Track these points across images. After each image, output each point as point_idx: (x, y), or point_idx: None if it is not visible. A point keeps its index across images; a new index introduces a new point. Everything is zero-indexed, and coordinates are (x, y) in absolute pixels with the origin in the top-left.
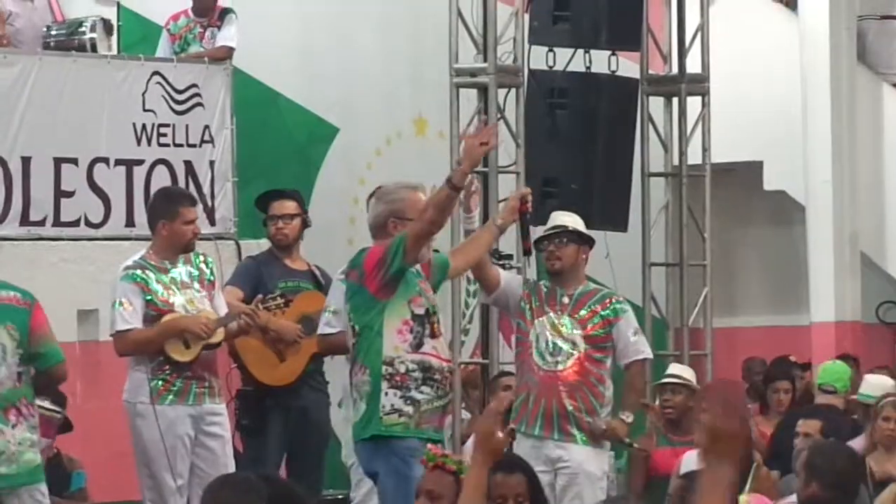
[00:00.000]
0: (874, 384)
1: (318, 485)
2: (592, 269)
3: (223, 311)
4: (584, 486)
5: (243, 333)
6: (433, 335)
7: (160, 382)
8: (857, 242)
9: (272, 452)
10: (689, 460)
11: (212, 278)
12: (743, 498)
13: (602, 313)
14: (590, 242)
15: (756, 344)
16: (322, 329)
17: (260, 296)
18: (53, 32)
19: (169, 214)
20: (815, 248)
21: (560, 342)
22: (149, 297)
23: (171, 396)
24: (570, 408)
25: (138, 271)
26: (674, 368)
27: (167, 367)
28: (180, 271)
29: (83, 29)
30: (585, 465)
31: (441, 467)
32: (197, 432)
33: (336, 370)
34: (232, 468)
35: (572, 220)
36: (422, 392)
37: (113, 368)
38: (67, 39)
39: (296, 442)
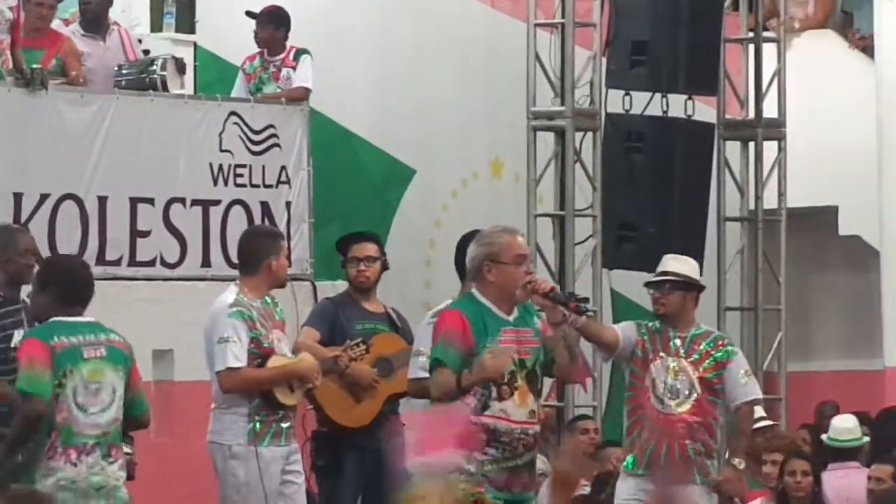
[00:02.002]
0: (839, 427)
1: None
2: None
3: (288, 352)
4: None
5: (325, 376)
6: (500, 398)
7: (259, 424)
8: None
9: (347, 494)
10: None
11: (282, 317)
12: None
13: (715, 355)
14: (698, 288)
15: (829, 388)
16: (415, 373)
17: (348, 342)
18: (125, 71)
19: (276, 249)
20: (889, 293)
21: (678, 384)
22: (253, 335)
23: (268, 438)
24: (690, 449)
25: (244, 309)
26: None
27: (265, 408)
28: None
29: (154, 67)
30: (697, 499)
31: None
32: (282, 472)
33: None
34: None
35: (679, 266)
36: (486, 453)
37: (188, 409)
38: (138, 78)
39: (371, 484)
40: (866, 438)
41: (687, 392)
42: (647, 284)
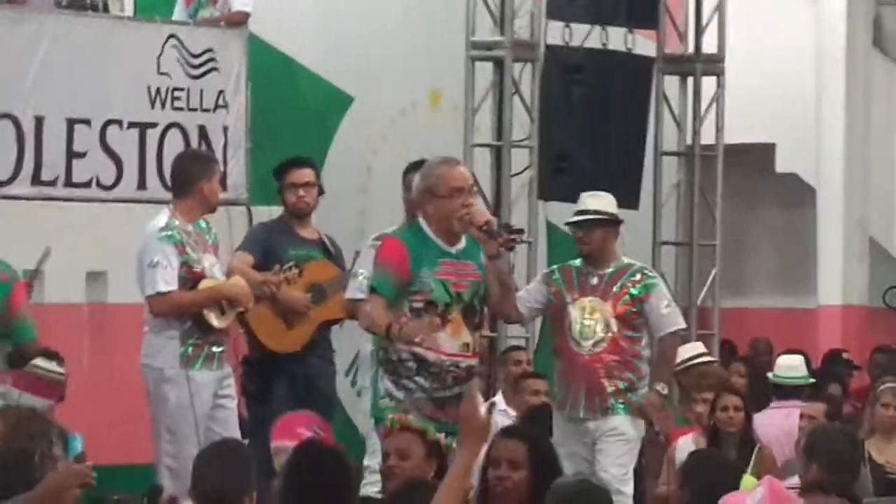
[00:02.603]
0: (784, 365)
1: None
2: None
3: (220, 276)
4: (619, 445)
5: (257, 301)
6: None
7: (190, 348)
8: (866, 227)
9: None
10: (685, 445)
11: (216, 242)
12: (748, 478)
13: (632, 291)
14: (617, 222)
15: (763, 325)
16: (353, 293)
17: (280, 265)
18: None
19: (208, 173)
20: (824, 232)
21: (593, 325)
22: (184, 260)
23: (200, 361)
24: (609, 389)
25: (175, 233)
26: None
27: (196, 332)
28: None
29: None
30: (621, 427)
31: (407, 429)
32: (214, 396)
33: (344, 339)
34: (237, 432)
35: (597, 203)
36: (415, 382)
37: (122, 331)
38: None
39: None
40: (812, 380)
41: (602, 331)
42: (569, 224)
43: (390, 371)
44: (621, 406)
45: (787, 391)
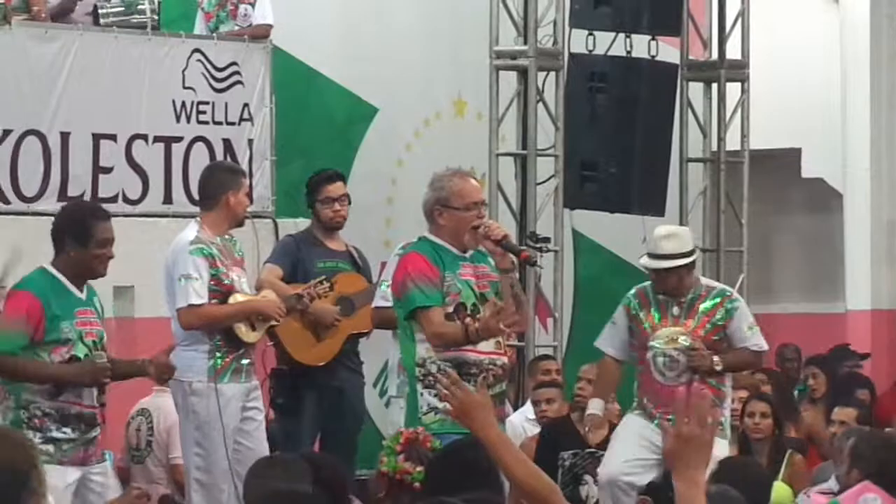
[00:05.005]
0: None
1: (352, 465)
2: (631, 252)
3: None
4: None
5: (287, 314)
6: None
7: (220, 361)
8: (893, 230)
9: (305, 432)
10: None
11: (241, 255)
12: (780, 485)
13: (714, 320)
14: (693, 260)
15: (791, 330)
16: (378, 302)
17: (314, 281)
18: (109, 10)
19: (235, 185)
20: (851, 236)
21: (676, 354)
22: (214, 272)
23: (228, 374)
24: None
25: (205, 246)
26: (662, 245)
27: (225, 345)
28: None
29: (142, 6)
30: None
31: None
32: (242, 409)
33: (372, 350)
34: (266, 445)
35: (671, 245)
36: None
37: (149, 345)
38: (125, 18)
39: (329, 422)
40: None
41: (686, 363)
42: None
43: (430, 385)
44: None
45: None
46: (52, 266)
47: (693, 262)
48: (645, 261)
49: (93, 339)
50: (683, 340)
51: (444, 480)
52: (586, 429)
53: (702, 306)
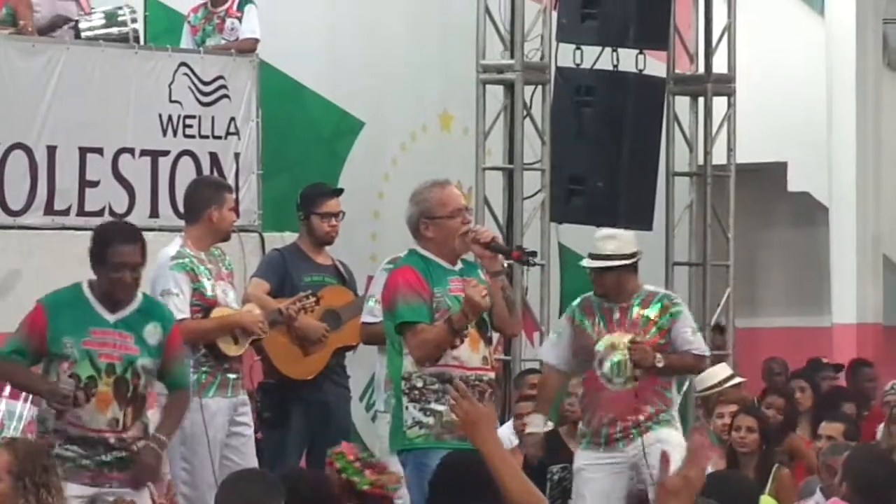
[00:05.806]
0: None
1: None
2: None
3: (235, 303)
4: (670, 444)
5: (272, 328)
6: (452, 346)
7: (203, 375)
8: (879, 245)
9: (292, 446)
10: None
11: (229, 269)
12: (766, 499)
13: (659, 323)
14: (634, 263)
15: (777, 344)
16: (365, 318)
17: (300, 295)
18: (91, 24)
19: (219, 200)
20: (837, 250)
21: (622, 359)
22: (195, 287)
23: (213, 389)
24: (642, 418)
25: (186, 261)
26: (600, 246)
27: (210, 359)
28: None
29: (123, 18)
30: (664, 434)
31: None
32: (230, 423)
33: (358, 364)
34: (255, 459)
35: (610, 246)
36: (443, 403)
37: None
38: (109, 31)
39: (316, 436)
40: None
41: (632, 369)
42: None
43: (416, 398)
44: (656, 424)
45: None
46: (87, 282)
47: (634, 266)
48: (584, 262)
49: (109, 362)
50: (627, 342)
51: (446, 492)
52: (528, 450)
53: (645, 311)
